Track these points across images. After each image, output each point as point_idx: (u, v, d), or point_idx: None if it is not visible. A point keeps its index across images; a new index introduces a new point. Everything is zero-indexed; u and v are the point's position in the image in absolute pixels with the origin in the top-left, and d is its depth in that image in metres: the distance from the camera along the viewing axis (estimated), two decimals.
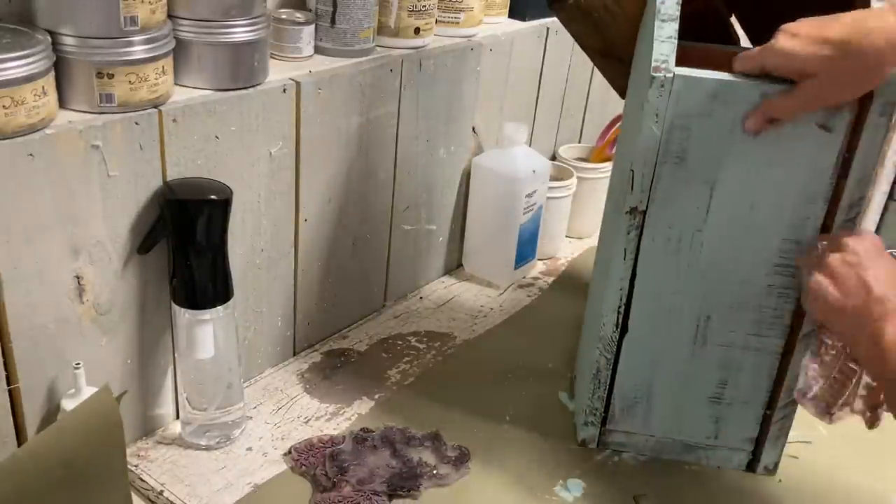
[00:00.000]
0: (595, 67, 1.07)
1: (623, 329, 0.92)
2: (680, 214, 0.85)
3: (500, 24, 1.29)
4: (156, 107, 0.83)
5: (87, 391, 0.82)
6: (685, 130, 0.81)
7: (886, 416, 0.80)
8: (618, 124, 1.43)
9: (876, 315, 0.74)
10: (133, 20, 0.78)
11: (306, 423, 0.99)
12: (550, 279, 1.36)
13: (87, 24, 0.77)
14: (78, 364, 0.82)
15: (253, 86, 0.91)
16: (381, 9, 1.07)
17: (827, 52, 0.74)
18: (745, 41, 1.08)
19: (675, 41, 0.79)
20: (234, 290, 0.91)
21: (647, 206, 0.85)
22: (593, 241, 1.38)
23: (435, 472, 0.92)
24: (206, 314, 0.89)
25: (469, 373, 1.10)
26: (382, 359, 1.12)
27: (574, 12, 0.95)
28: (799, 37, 0.75)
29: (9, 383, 0.80)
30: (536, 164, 1.27)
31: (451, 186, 1.27)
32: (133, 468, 0.89)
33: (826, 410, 0.82)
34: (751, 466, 0.98)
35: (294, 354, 1.11)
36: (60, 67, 0.77)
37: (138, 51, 0.79)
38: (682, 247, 0.86)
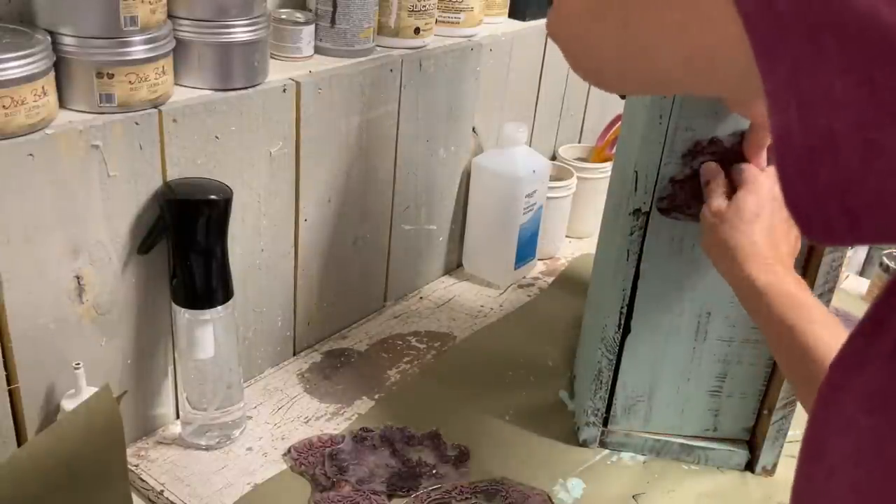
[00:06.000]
0: None
1: (625, 329, 0.92)
2: None
3: (500, 24, 1.28)
4: (156, 107, 0.83)
5: (87, 391, 0.82)
6: (689, 131, 0.80)
7: None
8: (618, 124, 1.43)
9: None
10: (133, 20, 0.78)
11: (306, 423, 0.99)
12: (550, 279, 1.36)
13: (87, 24, 0.77)
14: (78, 364, 0.82)
15: (253, 86, 0.91)
16: (381, 9, 1.06)
17: None
18: None
19: None
20: (234, 290, 0.91)
21: (650, 208, 0.85)
22: (593, 241, 1.37)
23: (434, 471, 0.92)
24: (206, 314, 0.89)
25: (469, 372, 1.10)
26: (382, 359, 1.12)
27: None
28: None
29: (9, 383, 0.80)
30: (536, 164, 1.27)
31: (451, 186, 1.27)
32: (133, 468, 0.89)
33: None
34: (749, 466, 0.98)
35: (294, 354, 1.11)
36: (60, 67, 0.77)
37: (138, 51, 0.79)
38: (685, 246, 0.86)
